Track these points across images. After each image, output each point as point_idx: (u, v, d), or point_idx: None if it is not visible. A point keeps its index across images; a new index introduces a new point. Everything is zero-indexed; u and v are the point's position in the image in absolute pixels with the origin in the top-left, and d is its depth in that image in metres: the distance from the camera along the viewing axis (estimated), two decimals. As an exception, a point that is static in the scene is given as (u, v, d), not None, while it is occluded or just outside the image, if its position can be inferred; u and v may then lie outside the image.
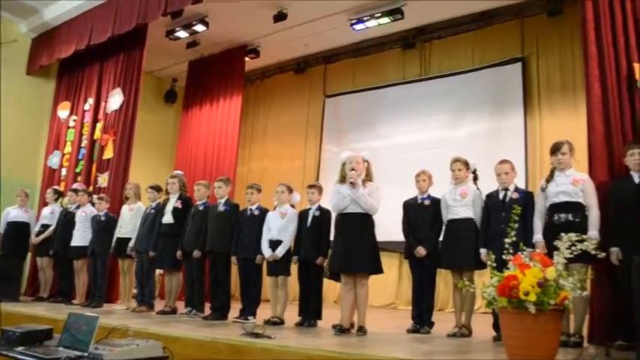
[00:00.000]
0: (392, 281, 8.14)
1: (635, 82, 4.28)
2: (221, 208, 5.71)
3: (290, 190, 5.46)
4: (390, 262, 7.60)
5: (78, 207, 7.17)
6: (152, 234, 6.20)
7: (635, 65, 4.30)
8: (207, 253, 5.72)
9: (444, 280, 6.70)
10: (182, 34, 8.70)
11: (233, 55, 9.30)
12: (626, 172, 4.09)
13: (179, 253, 5.90)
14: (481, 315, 5.69)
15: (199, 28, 8.45)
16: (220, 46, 9.25)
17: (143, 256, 6.31)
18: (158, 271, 7.12)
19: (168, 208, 6.17)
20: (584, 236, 3.11)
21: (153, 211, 6.38)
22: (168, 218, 6.11)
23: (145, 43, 8.01)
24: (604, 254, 3.44)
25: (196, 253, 5.73)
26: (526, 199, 4.37)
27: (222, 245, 5.57)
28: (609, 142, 4.32)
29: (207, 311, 5.62)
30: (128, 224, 6.59)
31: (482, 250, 4.35)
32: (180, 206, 6.12)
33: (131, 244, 6.45)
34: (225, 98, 9.23)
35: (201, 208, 5.94)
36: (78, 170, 8.45)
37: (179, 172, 6.65)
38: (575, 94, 7.07)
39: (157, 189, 6.57)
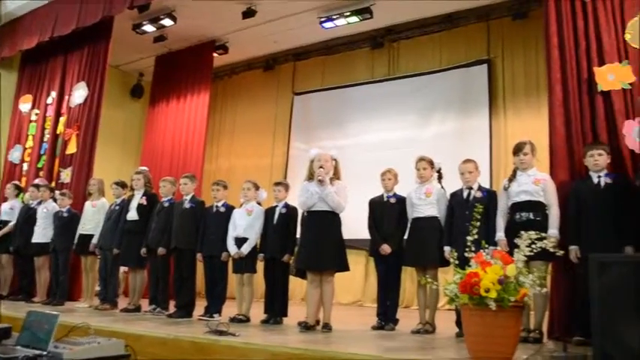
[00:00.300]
0: (358, 279, 8.19)
1: (595, 85, 4.40)
2: (187, 204, 5.66)
3: (256, 187, 5.44)
4: (357, 260, 7.64)
5: (39, 203, 7.01)
6: (116, 231, 6.10)
7: (595, 69, 4.43)
8: (173, 251, 5.65)
9: (410, 277, 6.76)
10: (149, 28, 8.56)
11: (201, 50, 9.20)
12: (586, 172, 4.20)
13: (144, 250, 5.82)
14: (445, 312, 5.77)
15: (167, 22, 8.35)
16: (188, 41, 9.15)
17: (107, 253, 6.20)
18: (122, 269, 7.02)
19: (133, 204, 6.09)
20: (544, 234, 3.17)
21: (117, 207, 6.28)
22: (132, 215, 6.03)
23: (111, 37, 7.87)
24: (562, 252, 3.52)
25: (161, 251, 5.66)
26: (489, 197, 4.46)
27: (188, 242, 5.52)
28: (570, 144, 4.44)
29: (172, 309, 5.56)
30: (91, 221, 6.48)
31: (446, 248, 4.41)
32: (145, 203, 6.04)
33: (94, 240, 6.34)
34: (192, 94, 9.13)
35: (166, 204, 5.87)
36: (40, 165, 8.24)
37: (144, 168, 6.56)
38: (538, 96, 7.23)
39: (122, 185, 6.47)
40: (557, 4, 4.72)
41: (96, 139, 7.68)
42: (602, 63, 4.43)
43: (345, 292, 8.18)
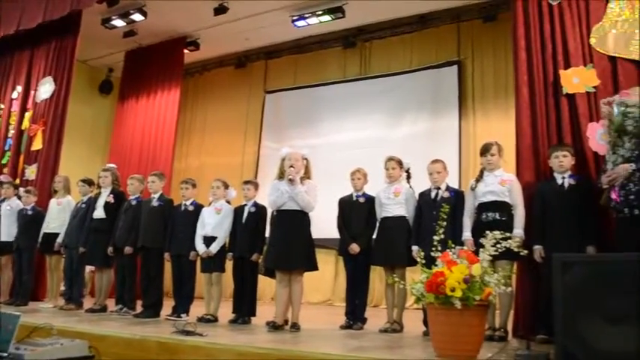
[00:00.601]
0: (328, 278, 8.20)
1: (561, 88, 4.49)
2: (154, 203, 5.59)
3: (226, 186, 5.41)
4: (327, 259, 7.65)
5: (3, 200, 6.82)
6: (82, 229, 6.00)
7: (561, 72, 4.51)
8: (140, 250, 5.58)
9: (379, 276, 6.80)
10: (119, 22, 8.42)
11: (172, 46, 9.08)
12: (551, 173, 4.28)
13: (110, 249, 5.73)
14: (414, 311, 5.81)
15: (137, 17, 8.23)
16: (159, 36, 9.02)
17: (72, 252, 6.09)
18: (89, 268, 6.90)
19: (100, 202, 5.99)
20: (509, 234, 3.22)
21: (84, 205, 6.17)
22: (99, 213, 5.93)
23: (79, 31, 7.72)
24: (526, 252, 3.58)
25: (128, 249, 5.58)
26: (457, 198, 4.50)
27: (155, 241, 5.44)
28: (535, 145, 4.51)
29: (139, 309, 5.49)
30: (56, 219, 6.36)
31: (414, 247, 4.44)
32: (112, 201, 5.94)
33: (59, 239, 6.22)
34: (162, 90, 9.01)
35: (134, 202, 5.80)
36: (4, 162, 8.02)
37: (112, 165, 6.46)
38: (506, 98, 7.33)
39: (89, 182, 6.36)
40: (524, 8, 4.80)
41: (62, 136, 7.53)
42: (567, 66, 4.52)
43: (315, 292, 8.18)
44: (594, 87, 4.39)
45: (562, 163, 4.15)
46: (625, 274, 2.74)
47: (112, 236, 5.76)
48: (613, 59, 4.41)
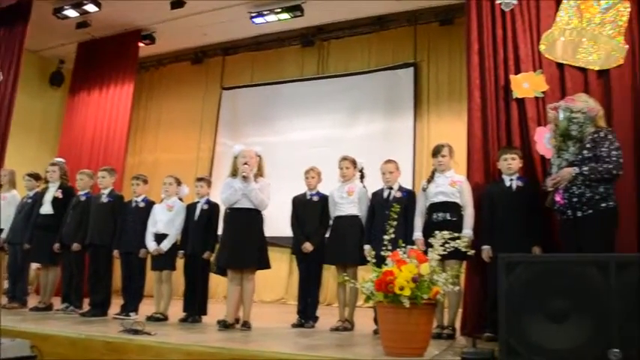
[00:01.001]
0: (282, 276, 8.17)
1: (511, 92, 4.60)
2: (104, 199, 5.47)
3: (178, 183, 5.33)
4: (281, 258, 7.62)
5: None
6: (28, 225, 5.82)
7: (512, 77, 4.62)
8: (88, 247, 5.44)
9: (333, 275, 6.82)
10: (71, 12, 8.14)
11: (126, 39, 8.85)
12: (500, 175, 4.38)
13: (57, 245, 5.57)
14: (367, 309, 5.85)
15: (90, 8, 7.97)
16: (113, 28, 8.77)
17: (17, 248, 5.89)
18: (34, 266, 6.68)
19: (48, 197, 5.82)
20: (457, 234, 3.28)
21: (30, 200, 6.00)
22: (46, 209, 5.77)
23: (29, 19, 7.42)
24: (473, 252, 3.66)
25: (76, 246, 5.44)
26: (408, 198, 4.57)
27: (104, 238, 5.33)
28: (486, 148, 4.61)
29: (86, 307, 5.36)
30: (0, 214, 6.11)
31: (367, 247, 4.46)
32: (60, 196, 5.79)
33: (3, 235, 6.01)
34: (116, 84, 8.77)
35: (83, 198, 5.67)
36: (-55, 154, 7.69)
37: (60, 159, 6.27)
38: (460, 101, 7.42)
39: (36, 177, 6.18)
40: (478, 13, 4.89)
41: (9, 128, 7.21)
42: (518, 71, 4.63)
43: (269, 290, 8.15)
44: (543, 92, 4.51)
45: (510, 165, 4.25)
46: (565, 275, 2.84)
47: (59, 233, 5.60)
48: (561, 66, 4.55)
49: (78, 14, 8.20)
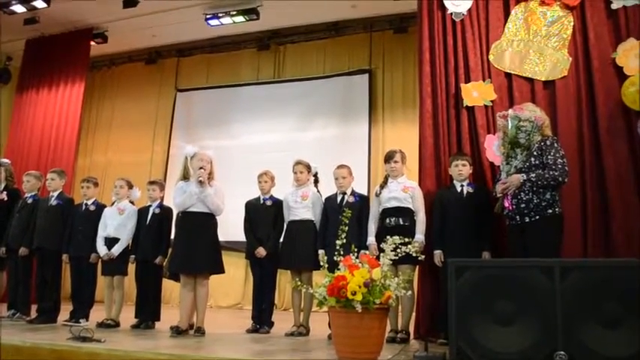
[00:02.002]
0: (238, 281, 8.11)
1: (462, 100, 4.72)
2: (53, 202, 5.33)
3: (130, 186, 5.24)
4: (237, 263, 7.56)
5: None
6: (-32, 228, 5.60)
7: (462, 86, 4.74)
8: (35, 251, 5.28)
9: (289, 280, 6.80)
10: (19, 8, 7.86)
11: (77, 37, 8.60)
12: (451, 181, 4.49)
13: (2, 250, 5.40)
14: (323, 314, 5.85)
15: (39, 4, 7.71)
16: (63, 26, 8.53)
17: (-42, 253, 5.65)
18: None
19: (-9, 200, 5.62)
20: (408, 239, 3.34)
21: (-30, 202, 5.75)
22: (-10, 212, 5.56)
23: (-27, 15, 7.18)
24: (423, 257, 3.74)
25: (23, 251, 5.30)
26: (361, 203, 4.63)
27: (52, 242, 5.19)
28: (437, 154, 4.71)
29: (34, 314, 5.19)
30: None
31: (320, 251, 4.50)
32: (5, 198, 5.61)
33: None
34: (66, 83, 8.52)
35: (30, 201, 5.51)
36: None
37: (5, 160, 6.06)
38: (414, 107, 7.50)
39: (-22, 178, 5.94)
40: (430, 22, 4.99)
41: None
42: (468, 80, 4.75)
43: (225, 295, 8.08)
44: (492, 101, 4.65)
45: (461, 171, 4.35)
46: (512, 279, 2.93)
47: (4, 236, 5.43)
48: (509, 75, 4.70)
49: (25, 10, 7.93)
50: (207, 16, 7.87)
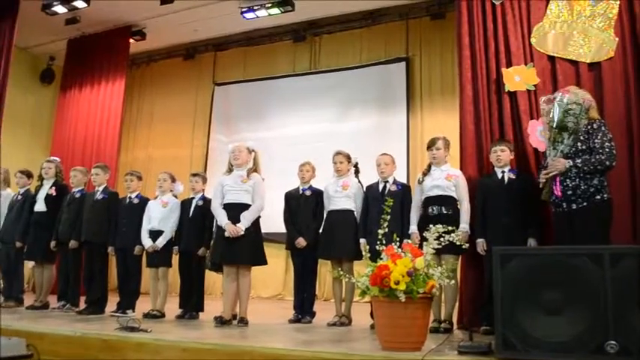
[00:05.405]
0: (279, 272, 8.18)
1: (503, 85, 4.62)
2: (98, 196, 5.46)
3: (173, 179, 5.32)
4: (278, 254, 7.61)
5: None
6: (20, 223, 5.79)
7: (503, 70, 4.63)
8: (83, 244, 5.42)
9: (330, 270, 6.83)
10: (60, 9, 8.07)
11: (116, 35, 8.79)
12: (492, 168, 4.40)
13: (53, 243, 5.56)
14: (364, 304, 5.88)
15: (79, 4, 7.90)
16: (103, 25, 8.72)
17: (9, 246, 5.85)
18: (30, 263, 6.65)
19: (41, 195, 5.82)
20: (451, 228, 3.28)
21: (20, 197, 5.95)
22: (40, 206, 5.77)
23: (17, 15, 7.36)
24: (467, 245, 3.68)
25: (73, 244, 5.43)
26: (404, 191, 4.58)
27: (99, 235, 5.32)
28: (479, 141, 4.63)
29: (83, 305, 5.34)
30: (-1, 213, 6.09)
31: (362, 240, 4.49)
32: (54, 193, 5.77)
33: (-2, 234, 5.98)
34: (107, 81, 8.73)
35: (77, 195, 5.65)
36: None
37: (56, 158, 6.24)
38: (453, 95, 7.38)
39: (28, 174, 6.14)
40: (469, 6, 4.90)
41: (0, 126, 7.20)
42: (509, 64, 4.65)
43: (266, 286, 8.17)
44: (534, 85, 4.53)
45: (500, 157, 4.27)
46: (560, 267, 2.85)
47: (54, 230, 5.59)
48: (552, 59, 4.57)
49: (66, 10, 8.13)
50: (243, 9, 7.92)
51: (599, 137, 3.52)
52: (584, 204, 3.50)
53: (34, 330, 3.81)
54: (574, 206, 3.54)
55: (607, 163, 3.48)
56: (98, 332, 3.70)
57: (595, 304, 2.74)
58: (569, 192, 3.55)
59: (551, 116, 3.65)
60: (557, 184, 3.61)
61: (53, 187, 5.80)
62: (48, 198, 5.75)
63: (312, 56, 8.94)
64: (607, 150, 3.49)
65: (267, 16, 7.99)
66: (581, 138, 3.58)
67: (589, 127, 3.58)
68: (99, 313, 5.19)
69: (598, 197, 3.49)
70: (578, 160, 3.51)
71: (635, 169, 4.14)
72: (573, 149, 3.59)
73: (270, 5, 7.73)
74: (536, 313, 2.84)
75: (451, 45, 7.55)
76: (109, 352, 3.46)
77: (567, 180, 3.56)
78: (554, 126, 3.62)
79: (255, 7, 7.82)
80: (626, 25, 4.41)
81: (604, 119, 3.85)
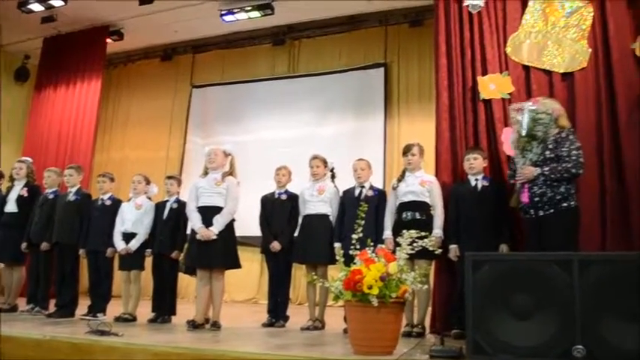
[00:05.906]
0: (254, 276, 8.13)
1: (478, 93, 4.67)
2: (71, 197, 5.39)
3: (147, 181, 5.27)
4: (253, 257, 7.57)
5: None
6: (-12, 224, 5.68)
7: (479, 78, 4.70)
8: (54, 245, 5.34)
9: (305, 274, 6.82)
10: (36, 7, 7.93)
11: (94, 35, 8.66)
12: (466, 175, 4.45)
13: (24, 244, 5.47)
14: (338, 308, 5.86)
15: (56, 2, 7.79)
16: (80, 24, 8.59)
17: (-22, 247, 5.74)
18: (-1, 265, 6.53)
19: (12, 195, 5.71)
20: (424, 233, 3.31)
21: (-10, 198, 5.84)
22: (11, 207, 5.65)
23: (-8, 14, 7.27)
24: (440, 250, 3.72)
25: (45, 245, 5.36)
26: (379, 196, 4.61)
27: (70, 237, 5.24)
28: (454, 148, 4.68)
29: (52, 308, 5.26)
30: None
31: (337, 245, 4.50)
32: (26, 194, 5.67)
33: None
34: (83, 80, 8.59)
35: (51, 196, 5.57)
36: None
37: (27, 158, 6.13)
38: (430, 102, 7.41)
39: (-2, 175, 6.02)
40: (446, 15, 4.96)
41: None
42: (485, 72, 4.72)
43: (240, 290, 8.11)
44: (509, 94, 4.61)
45: (473, 165, 4.33)
46: (530, 273, 2.90)
47: (25, 231, 5.50)
48: (526, 68, 4.66)
49: (43, 8, 7.99)
50: (223, 12, 7.88)
51: (566, 146, 3.61)
52: (551, 211, 3.58)
53: (2, 333, 3.72)
54: (541, 213, 3.62)
55: (573, 170, 3.56)
56: (68, 336, 3.64)
57: (564, 310, 2.79)
58: (537, 199, 3.63)
59: (520, 125, 3.71)
60: (526, 191, 3.68)
61: (25, 188, 5.70)
62: (19, 199, 5.66)
63: (291, 60, 8.94)
64: (574, 158, 3.57)
65: (247, 19, 7.97)
66: (550, 146, 3.66)
67: (558, 135, 3.67)
68: (69, 316, 5.11)
69: (565, 205, 3.57)
70: (546, 168, 3.59)
71: (605, 177, 4.23)
72: (542, 157, 3.67)
73: (250, 8, 7.71)
74: (506, 318, 2.88)
75: (429, 52, 7.60)
76: (79, 355, 3.40)
77: (535, 187, 3.64)
78: (524, 134, 3.70)
79: (235, 10, 7.78)
80: (599, 37, 4.51)
81: (575, 128, 3.93)
